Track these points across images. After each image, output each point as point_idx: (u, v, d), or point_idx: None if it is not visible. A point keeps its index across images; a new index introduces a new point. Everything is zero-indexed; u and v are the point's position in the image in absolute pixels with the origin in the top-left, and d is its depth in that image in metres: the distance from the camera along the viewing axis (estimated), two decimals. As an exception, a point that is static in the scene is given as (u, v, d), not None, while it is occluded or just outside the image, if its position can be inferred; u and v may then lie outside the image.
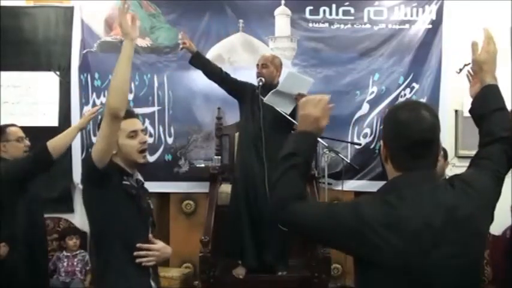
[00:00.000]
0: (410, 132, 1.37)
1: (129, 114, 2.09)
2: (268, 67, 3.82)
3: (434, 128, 1.41)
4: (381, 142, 1.47)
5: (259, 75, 3.77)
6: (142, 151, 2.10)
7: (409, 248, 1.31)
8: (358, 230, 1.33)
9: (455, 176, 1.48)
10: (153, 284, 2.10)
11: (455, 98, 4.50)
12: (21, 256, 3.04)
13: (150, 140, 4.54)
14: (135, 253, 2.02)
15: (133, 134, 2.08)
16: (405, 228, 1.32)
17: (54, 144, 3.00)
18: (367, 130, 4.65)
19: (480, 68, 1.71)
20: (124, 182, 2.04)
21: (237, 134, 4.26)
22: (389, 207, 1.34)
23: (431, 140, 1.40)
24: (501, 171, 1.53)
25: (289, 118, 3.66)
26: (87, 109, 4.54)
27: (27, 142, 3.28)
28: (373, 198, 1.39)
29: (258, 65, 3.82)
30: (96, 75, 4.62)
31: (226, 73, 3.94)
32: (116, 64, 1.94)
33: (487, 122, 1.60)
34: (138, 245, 2.03)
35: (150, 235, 2.12)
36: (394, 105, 1.59)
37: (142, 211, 2.12)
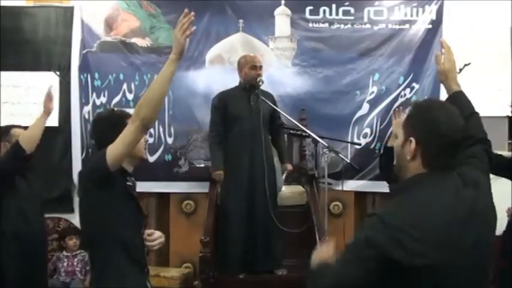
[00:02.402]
0: (448, 132, 1.41)
1: (131, 115, 2.10)
2: (262, 68, 3.88)
3: (463, 128, 1.47)
4: (411, 139, 1.44)
5: (258, 76, 3.79)
6: (145, 148, 2.17)
7: (441, 243, 1.33)
8: (393, 238, 1.31)
9: (462, 173, 1.51)
10: (148, 284, 2.13)
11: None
12: (10, 255, 3.03)
13: (150, 140, 4.54)
14: (149, 238, 2.13)
15: None
16: (437, 224, 1.34)
17: (25, 139, 3.03)
18: (367, 130, 4.64)
19: (446, 76, 1.82)
20: (128, 183, 2.06)
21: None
22: (416, 205, 1.36)
23: (461, 140, 1.47)
24: (487, 168, 1.61)
25: (285, 115, 3.77)
26: (87, 109, 4.57)
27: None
28: (396, 202, 1.39)
29: (254, 66, 3.82)
30: (96, 75, 4.62)
31: (221, 135, 3.89)
32: (158, 77, 1.91)
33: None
34: (148, 231, 2.14)
35: (148, 230, 2.16)
36: (423, 104, 1.57)
37: (141, 211, 2.13)
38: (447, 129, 1.41)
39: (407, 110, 1.54)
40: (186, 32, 1.88)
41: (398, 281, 1.33)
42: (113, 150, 1.90)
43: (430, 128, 1.42)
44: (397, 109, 3.57)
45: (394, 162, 1.54)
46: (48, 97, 3.31)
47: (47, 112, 3.28)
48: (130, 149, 1.94)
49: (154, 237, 2.16)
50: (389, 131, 3.48)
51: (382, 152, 3.54)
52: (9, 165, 3.03)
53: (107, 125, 2.10)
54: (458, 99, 1.76)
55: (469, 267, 1.37)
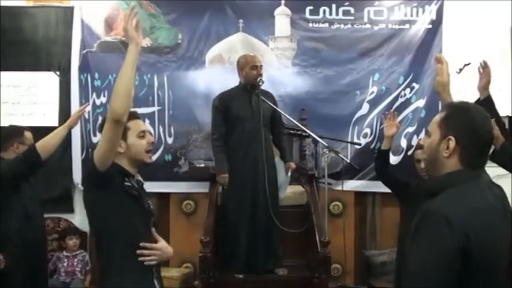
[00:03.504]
0: (484, 132, 1.51)
1: (136, 115, 2.12)
2: (262, 68, 3.88)
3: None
4: (450, 137, 1.49)
5: (258, 76, 3.79)
6: (149, 151, 2.14)
7: (491, 237, 1.40)
8: (461, 232, 1.36)
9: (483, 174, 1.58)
10: (156, 283, 2.10)
11: (455, 98, 4.48)
12: (14, 257, 3.04)
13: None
14: (138, 251, 2.02)
15: (142, 134, 2.11)
16: (485, 219, 1.41)
17: (42, 145, 3.01)
18: (367, 130, 4.65)
19: (443, 88, 2.00)
20: (126, 183, 2.05)
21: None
22: (466, 199, 1.43)
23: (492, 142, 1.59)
24: None
25: (285, 114, 3.79)
26: (87, 109, 4.55)
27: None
28: (446, 197, 1.44)
29: (255, 66, 3.81)
30: (96, 75, 4.62)
31: (223, 136, 3.88)
32: (121, 68, 1.92)
33: None
34: (141, 244, 2.03)
35: (153, 229, 2.13)
36: (461, 105, 1.63)
37: (144, 211, 2.12)
38: (484, 130, 1.51)
39: (443, 110, 1.59)
40: (130, 16, 1.93)
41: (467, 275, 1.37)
42: (97, 151, 1.93)
43: (470, 128, 1.49)
44: (389, 112, 3.61)
45: (426, 157, 1.60)
46: (79, 113, 3.35)
47: (70, 126, 3.28)
48: (112, 146, 1.94)
49: (154, 246, 2.08)
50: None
51: (376, 155, 3.57)
52: (22, 169, 3.03)
53: None
54: None
55: (501, 262, 1.44)
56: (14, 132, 3.25)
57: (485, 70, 2.57)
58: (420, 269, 1.37)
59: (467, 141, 1.49)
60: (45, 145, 3.03)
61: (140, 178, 2.18)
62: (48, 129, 4.47)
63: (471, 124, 1.49)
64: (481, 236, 1.37)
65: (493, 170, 2.58)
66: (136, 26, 1.94)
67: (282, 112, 3.94)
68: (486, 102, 2.65)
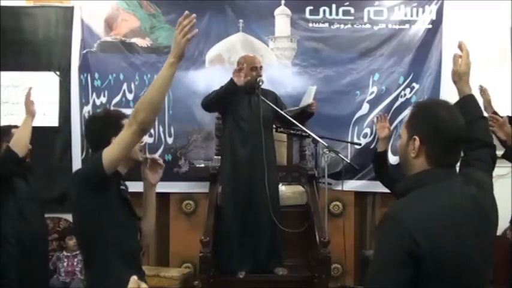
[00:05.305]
0: (451, 130, 1.46)
1: (126, 115, 2.09)
2: (262, 68, 3.88)
3: (464, 127, 1.51)
4: (415, 137, 1.48)
5: (258, 77, 3.80)
6: (141, 150, 2.15)
7: (450, 239, 1.37)
8: (410, 237, 1.34)
9: (464, 172, 1.57)
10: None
11: (455, 98, 4.46)
12: (11, 256, 3.04)
13: (150, 140, 4.54)
14: None
15: None
16: (448, 220, 1.39)
17: (15, 143, 3.09)
18: (367, 130, 4.65)
19: (460, 78, 1.86)
20: (121, 187, 2.04)
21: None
22: (427, 201, 1.41)
23: (464, 138, 1.51)
24: (491, 172, 1.67)
25: (285, 114, 3.76)
26: (87, 109, 4.57)
27: (29, 145, 3.30)
28: (407, 200, 1.44)
29: (255, 67, 3.82)
30: (96, 75, 4.62)
31: None
32: (156, 81, 1.84)
33: (471, 129, 1.69)
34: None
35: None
36: (425, 103, 1.64)
37: (134, 216, 2.11)
38: (449, 127, 1.45)
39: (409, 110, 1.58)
40: (187, 35, 1.86)
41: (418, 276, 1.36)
42: (109, 154, 1.86)
43: (433, 127, 1.46)
44: (379, 115, 3.61)
45: (399, 160, 1.60)
46: (28, 98, 3.38)
47: (31, 113, 3.32)
48: (127, 153, 1.90)
49: None
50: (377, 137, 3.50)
51: (373, 157, 3.57)
52: (4, 169, 3.08)
53: (101, 125, 2.07)
54: (470, 102, 1.81)
55: (472, 265, 1.40)
56: (2, 132, 3.27)
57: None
58: (373, 271, 1.39)
59: (431, 139, 1.46)
60: (17, 142, 3.11)
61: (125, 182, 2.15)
62: (48, 129, 4.54)
63: (433, 122, 1.47)
64: (439, 238, 1.35)
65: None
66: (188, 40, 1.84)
67: (281, 111, 3.92)
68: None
